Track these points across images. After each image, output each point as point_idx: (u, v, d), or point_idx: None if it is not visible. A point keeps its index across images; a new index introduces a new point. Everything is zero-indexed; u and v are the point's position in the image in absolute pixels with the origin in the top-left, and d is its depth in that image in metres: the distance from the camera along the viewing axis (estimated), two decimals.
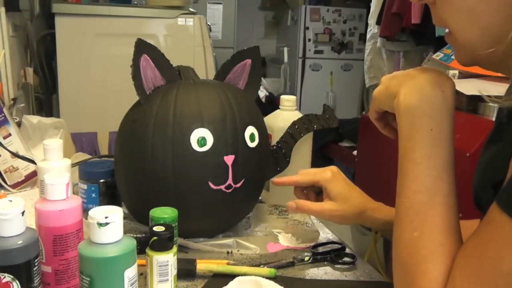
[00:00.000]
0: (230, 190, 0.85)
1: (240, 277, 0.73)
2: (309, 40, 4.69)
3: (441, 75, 0.58)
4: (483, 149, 0.63)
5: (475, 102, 1.37)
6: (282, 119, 1.09)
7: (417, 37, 2.90)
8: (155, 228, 0.67)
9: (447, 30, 0.57)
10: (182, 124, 0.83)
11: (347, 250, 0.88)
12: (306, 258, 0.84)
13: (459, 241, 0.53)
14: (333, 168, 0.80)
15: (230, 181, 0.84)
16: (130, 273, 0.58)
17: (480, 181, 0.61)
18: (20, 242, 0.55)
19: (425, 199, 0.54)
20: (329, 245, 0.89)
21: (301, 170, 0.87)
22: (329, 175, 0.79)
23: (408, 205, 0.55)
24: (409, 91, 0.57)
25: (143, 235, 0.82)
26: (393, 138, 0.63)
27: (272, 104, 3.88)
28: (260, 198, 1.04)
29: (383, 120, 0.68)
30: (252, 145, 0.87)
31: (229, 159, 0.84)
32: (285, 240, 0.92)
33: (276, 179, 0.90)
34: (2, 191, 1.10)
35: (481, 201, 0.59)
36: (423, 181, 0.55)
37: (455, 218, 0.54)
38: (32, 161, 1.13)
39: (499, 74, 1.47)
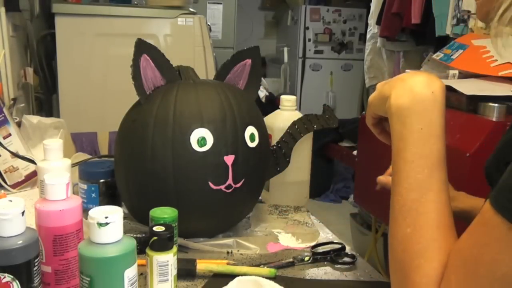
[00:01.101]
0: (230, 190, 0.85)
1: (240, 277, 0.73)
2: (309, 40, 4.68)
3: (431, 77, 0.59)
4: (507, 130, 0.62)
5: (475, 102, 1.36)
6: (282, 119, 1.09)
7: (417, 37, 2.90)
8: (155, 228, 0.67)
9: None
10: (182, 124, 0.83)
11: (347, 250, 0.88)
12: (306, 258, 0.84)
13: (452, 237, 0.54)
14: None
15: (230, 181, 0.84)
16: (130, 273, 0.58)
17: (494, 160, 0.61)
18: (20, 242, 0.55)
19: (417, 196, 0.55)
20: (329, 245, 0.89)
21: None
22: None
23: (401, 202, 0.56)
24: (399, 93, 0.59)
25: (143, 235, 0.82)
26: (389, 144, 0.64)
27: (272, 104, 3.88)
28: (260, 198, 1.04)
29: (379, 126, 0.70)
30: (252, 145, 0.87)
31: (229, 159, 0.84)
32: (285, 240, 0.92)
33: (382, 178, 0.86)
34: (2, 191, 1.10)
35: (492, 181, 0.59)
36: (415, 179, 0.56)
37: (447, 214, 0.55)
38: (32, 161, 1.13)
39: (499, 74, 1.46)
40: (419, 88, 0.58)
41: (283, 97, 1.13)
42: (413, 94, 0.58)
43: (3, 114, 1.16)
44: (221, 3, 4.59)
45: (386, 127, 0.68)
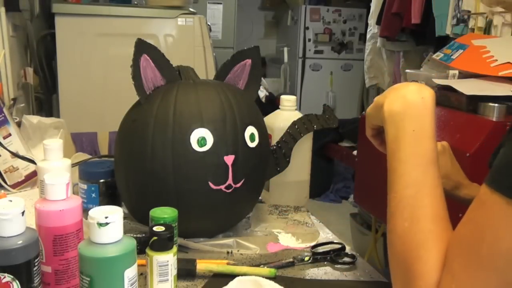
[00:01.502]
0: (230, 190, 0.85)
1: (240, 277, 0.73)
2: (309, 40, 4.68)
3: (421, 86, 0.65)
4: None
5: (475, 102, 1.36)
6: (282, 119, 1.09)
7: (417, 37, 2.90)
8: (155, 228, 0.67)
9: None
10: (182, 124, 0.83)
11: (347, 250, 0.88)
12: (306, 258, 0.84)
13: (448, 229, 0.56)
14: (445, 143, 0.86)
15: (230, 181, 0.84)
16: (130, 273, 0.58)
17: (494, 153, 0.63)
18: (20, 242, 0.55)
19: (413, 192, 0.58)
20: (329, 245, 0.89)
21: None
22: (440, 148, 0.84)
23: (398, 199, 0.59)
24: (392, 100, 0.65)
25: (143, 235, 0.82)
26: None
27: (272, 104, 3.88)
28: (260, 198, 1.04)
29: (379, 138, 0.74)
30: (252, 145, 0.87)
31: (229, 159, 0.84)
32: (285, 240, 0.92)
33: None
34: (2, 191, 1.10)
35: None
36: (410, 176, 0.59)
37: (442, 207, 0.58)
38: (32, 161, 1.13)
39: (499, 74, 1.46)
40: (410, 95, 0.63)
41: (283, 97, 1.13)
42: (405, 100, 0.63)
43: (3, 114, 1.16)
44: (221, 3, 4.59)
45: (385, 138, 0.70)
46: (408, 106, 0.63)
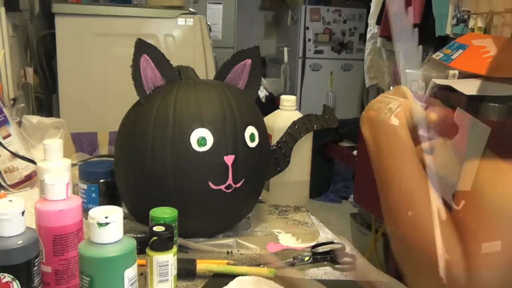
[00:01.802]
0: (230, 190, 0.85)
1: (240, 277, 0.73)
2: (309, 40, 4.68)
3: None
4: None
5: (475, 102, 1.36)
6: (282, 119, 1.09)
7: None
8: (155, 228, 0.67)
9: None
10: (182, 124, 0.83)
11: (347, 250, 0.88)
12: (306, 258, 0.84)
13: (443, 208, 0.60)
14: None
15: (230, 181, 0.84)
16: (130, 273, 0.58)
17: None
18: (20, 242, 0.55)
19: (408, 186, 0.64)
20: (329, 245, 0.89)
21: None
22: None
23: (395, 195, 0.64)
24: (365, 118, 0.72)
25: (143, 235, 0.82)
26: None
27: (272, 104, 3.87)
28: (260, 198, 1.04)
29: None
30: (252, 145, 0.87)
31: (229, 159, 0.84)
32: (285, 240, 0.92)
33: None
34: (2, 191, 1.10)
35: None
36: (402, 174, 0.65)
37: (436, 196, 0.62)
38: (32, 161, 1.13)
39: (500, 75, 1.46)
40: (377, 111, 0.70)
41: (283, 97, 1.13)
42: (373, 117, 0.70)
43: (3, 114, 1.16)
44: (221, 3, 4.58)
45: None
46: (376, 121, 0.70)
